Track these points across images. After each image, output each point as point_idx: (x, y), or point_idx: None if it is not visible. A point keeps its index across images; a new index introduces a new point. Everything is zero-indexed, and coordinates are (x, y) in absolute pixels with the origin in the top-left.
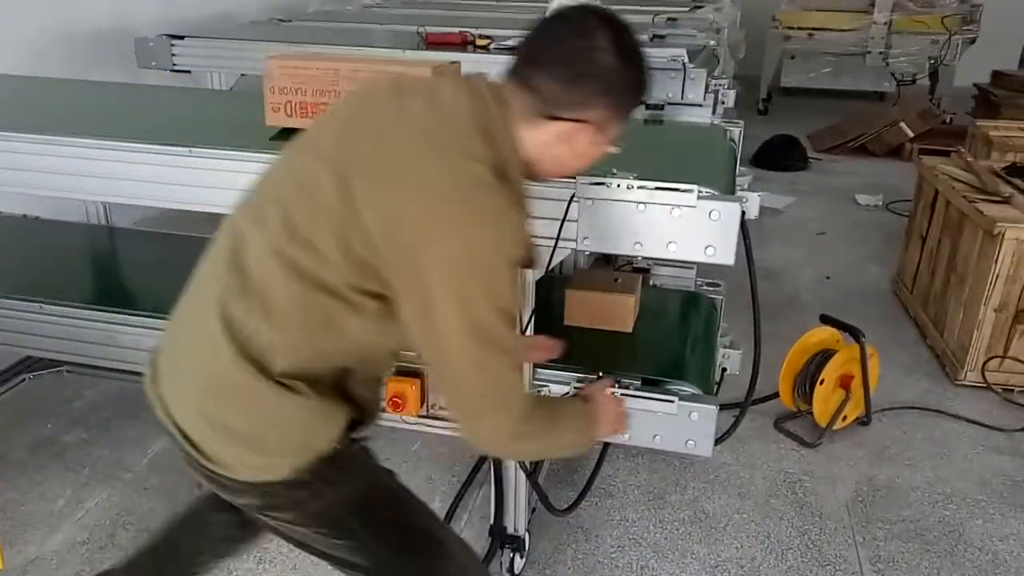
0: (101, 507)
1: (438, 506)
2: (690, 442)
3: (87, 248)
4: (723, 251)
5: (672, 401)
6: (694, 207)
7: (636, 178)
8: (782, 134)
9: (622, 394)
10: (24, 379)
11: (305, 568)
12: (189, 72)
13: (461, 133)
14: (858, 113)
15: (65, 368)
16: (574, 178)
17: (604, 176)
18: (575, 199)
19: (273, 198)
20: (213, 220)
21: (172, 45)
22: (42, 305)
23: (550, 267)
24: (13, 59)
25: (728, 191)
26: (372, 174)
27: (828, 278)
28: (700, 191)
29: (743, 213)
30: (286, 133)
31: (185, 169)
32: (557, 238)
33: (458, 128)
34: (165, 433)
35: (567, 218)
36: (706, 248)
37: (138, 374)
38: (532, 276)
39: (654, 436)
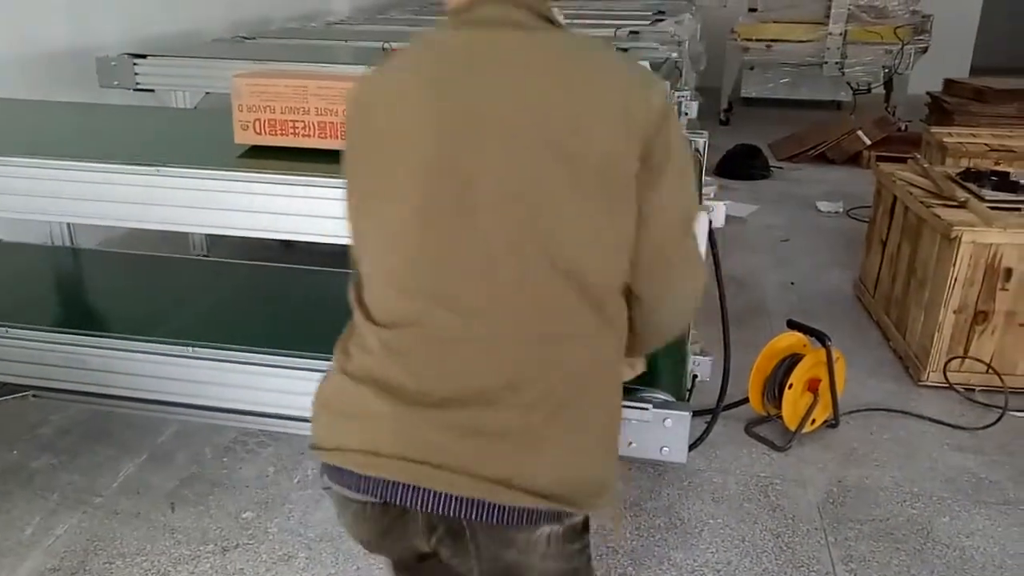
0: (71, 533)
1: None
2: (665, 449)
3: (51, 270)
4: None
5: (646, 408)
6: None
7: None
8: (744, 143)
9: None
10: None
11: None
12: (153, 91)
13: (578, 35)
14: (817, 122)
15: (31, 392)
16: None
17: None
18: None
19: (490, 244)
20: (179, 239)
21: (135, 64)
22: (8, 329)
23: None
24: None
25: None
26: (577, 117)
27: (792, 284)
28: None
29: (710, 222)
30: (255, 151)
31: (155, 188)
32: None
33: (569, 32)
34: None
35: None
36: None
37: (107, 396)
38: None
39: (629, 443)
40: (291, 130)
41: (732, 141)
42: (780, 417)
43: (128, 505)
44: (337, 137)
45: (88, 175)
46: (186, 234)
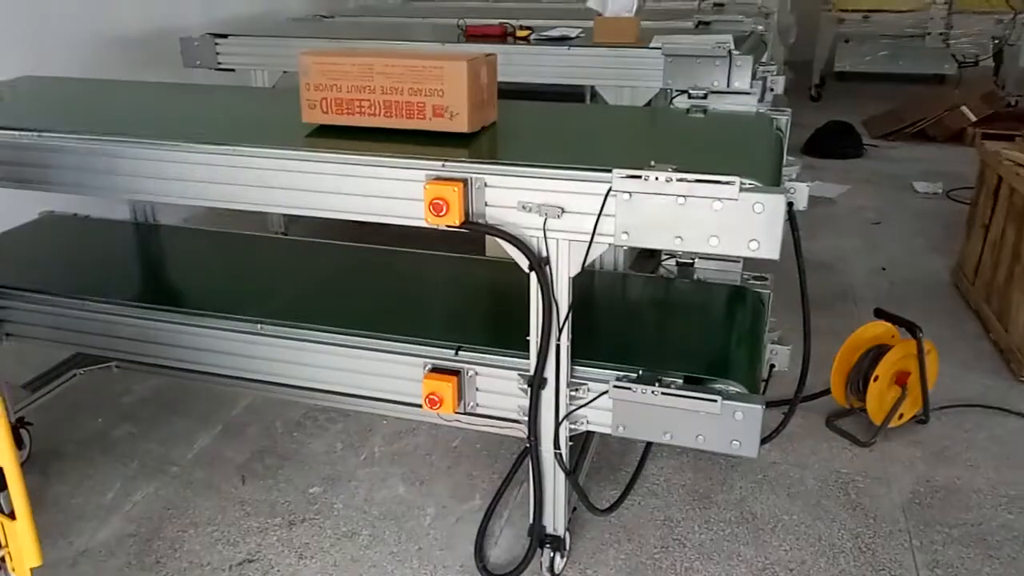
0: (148, 500)
1: (478, 503)
2: (735, 442)
3: (133, 246)
4: (768, 245)
5: (715, 400)
6: (736, 200)
7: (675, 170)
8: (836, 120)
9: (663, 393)
10: (75, 374)
11: (345, 565)
12: (233, 71)
13: None
14: (917, 97)
15: (114, 364)
16: (610, 170)
17: (642, 169)
18: (612, 193)
19: None
20: (258, 217)
21: (216, 44)
22: (87, 302)
23: (587, 263)
24: (64, 63)
25: (774, 182)
26: None
27: (884, 269)
28: (743, 183)
29: (790, 205)
30: (324, 131)
31: (226, 168)
32: (593, 233)
33: None
34: None
35: (604, 213)
36: (750, 242)
37: (182, 369)
38: (569, 274)
39: (697, 436)
40: (357, 109)
41: (823, 118)
42: (864, 411)
43: (202, 475)
44: (402, 116)
45: (164, 154)
46: (264, 213)
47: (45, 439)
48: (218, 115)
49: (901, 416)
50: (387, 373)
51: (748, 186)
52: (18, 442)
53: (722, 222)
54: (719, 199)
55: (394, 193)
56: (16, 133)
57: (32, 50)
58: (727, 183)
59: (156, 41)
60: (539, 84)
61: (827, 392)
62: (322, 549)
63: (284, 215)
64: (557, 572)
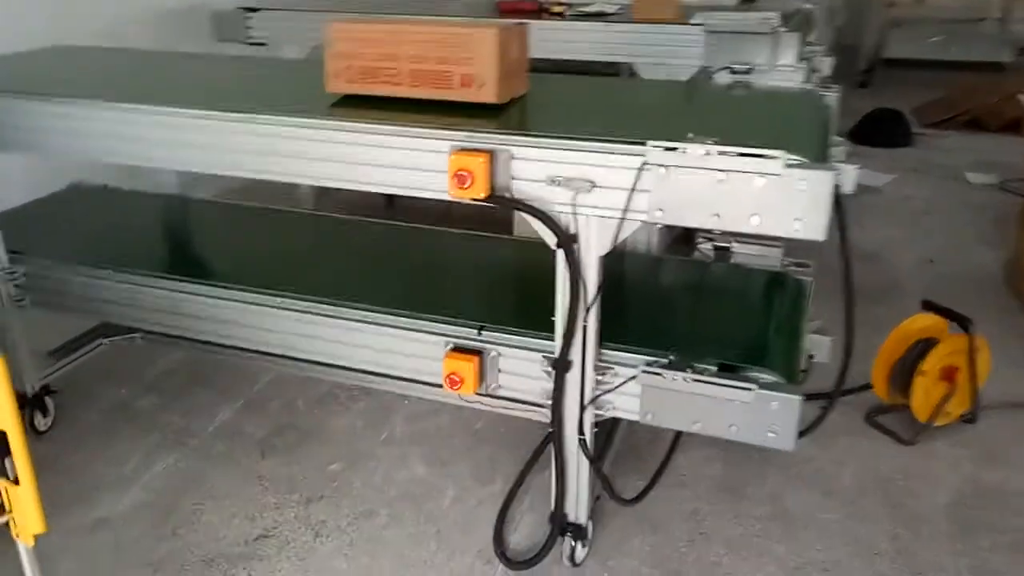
0: (168, 472)
1: (499, 487)
2: (770, 434)
3: (162, 218)
4: (812, 225)
5: (750, 389)
6: (780, 176)
7: (715, 143)
8: (884, 107)
9: (695, 380)
10: (100, 344)
11: (361, 544)
12: (264, 44)
13: None
14: (970, 85)
15: (139, 335)
16: (645, 143)
17: (680, 141)
18: (646, 167)
19: None
20: (288, 191)
21: (247, 18)
22: (112, 272)
23: (617, 241)
24: (93, 36)
25: (820, 160)
26: None
27: (931, 261)
28: (788, 159)
29: (837, 186)
30: (347, 100)
31: (243, 136)
32: (625, 209)
33: None
34: None
35: (637, 188)
36: (793, 222)
37: (207, 343)
38: (598, 252)
39: (730, 426)
40: (383, 78)
41: (871, 105)
42: (908, 407)
43: (222, 449)
44: (429, 86)
45: (185, 121)
46: (295, 187)
47: (70, 407)
48: (240, 85)
49: (947, 414)
50: (408, 351)
51: (793, 162)
52: (43, 409)
53: (764, 200)
54: (762, 175)
55: (418, 164)
56: (44, 99)
57: (59, 25)
58: (771, 158)
59: (187, 15)
60: (574, 61)
61: (868, 386)
62: (339, 528)
63: (314, 191)
64: (578, 562)
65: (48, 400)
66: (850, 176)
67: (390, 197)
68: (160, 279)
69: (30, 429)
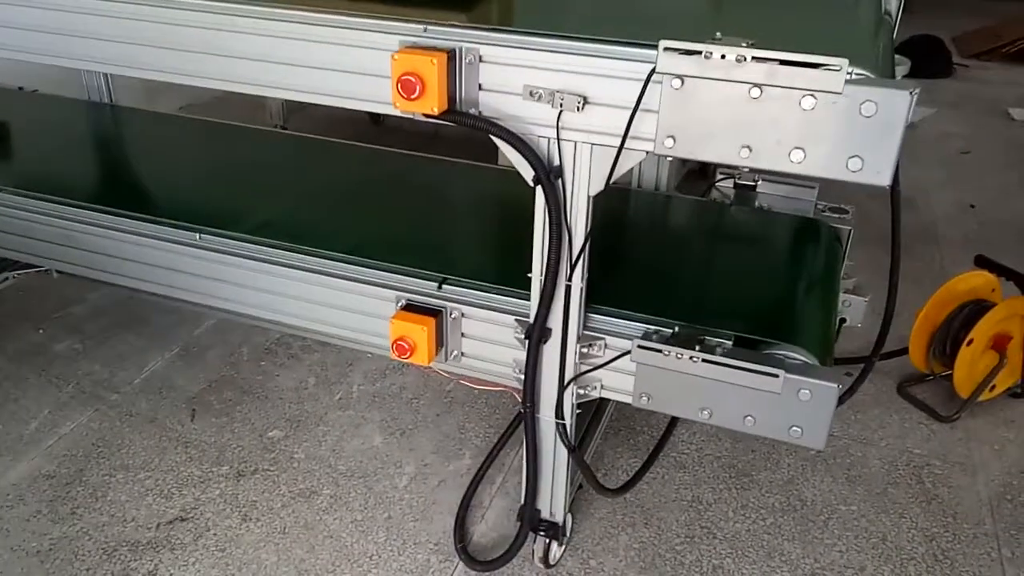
0: (77, 434)
1: (467, 463)
2: (795, 429)
3: (87, 131)
4: (876, 164)
5: (776, 376)
6: (839, 95)
7: (750, 45)
8: (923, 35)
9: (704, 360)
10: (7, 277)
11: (296, 532)
12: None
13: None
14: (1017, 13)
15: (51, 270)
16: (655, 45)
17: (702, 42)
18: (655, 77)
19: None
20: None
21: None
22: (7, 195)
23: (614, 177)
24: None
25: (887, 75)
26: None
27: (973, 207)
28: (850, 72)
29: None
30: None
31: (145, 24)
32: (625, 135)
33: None
34: None
35: (642, 106)
36: (850, 159)
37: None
38: (589, 191)
39: (745, 417)
40: None
41: (908, 32)
42: (948, 377)
43: (145, 407)
44: None
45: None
46: (263, 100)
47: None
48: None
49: (993, 388)
50: (352, 307)
51: (857, 77)
52: None
53: (812, 128)
54: (812, 92)
55: (353, 66)
56: None
57: None
58: (829, 68)
59: None
60: None
61: (903, 351)
62: (271, 510)
63: (284, 104)
64: (552, 562)
65: None
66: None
67: (375, 114)
68: (62, 205)
69: None
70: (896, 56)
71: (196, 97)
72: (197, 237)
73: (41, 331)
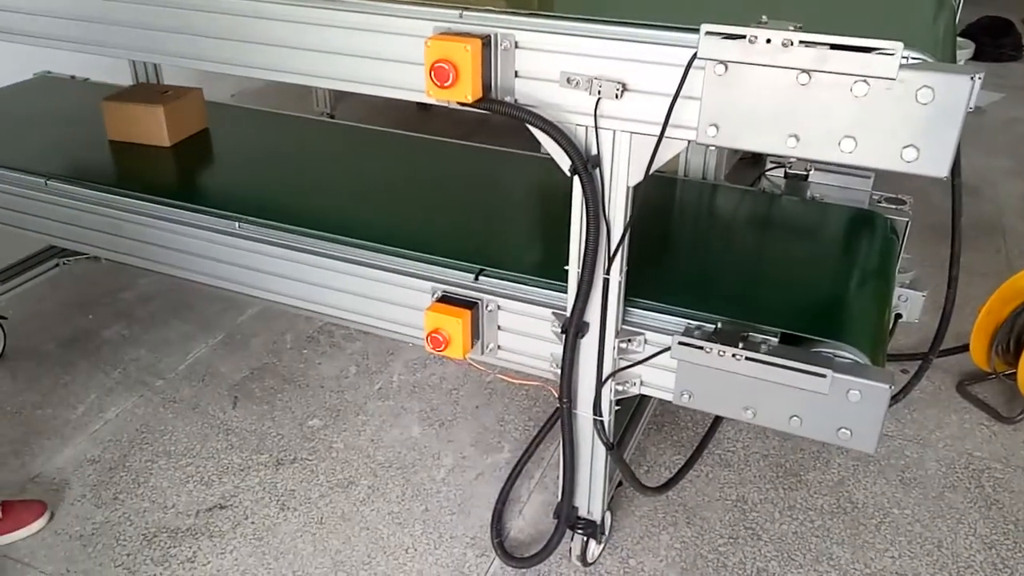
0: (122, 419)
1: (506, 456)
2: (844, 431)
3: None
4: (933, 154)
5: (823, 376)
6: (893, 80)
7: (797, 28)
8: (991, 16)
9: (748, 358)
10: (57, 264)
11: (333, 523)
12: None
13: None
14: None
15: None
16: (697, 29)
17: (746, 26)
18: (697, 63)
19: None
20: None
21: None
22: (55, 184)
23: (654, 167)
24: None
25: (948, 59)
26: None
27: None
28: (906, 56)
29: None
30: None
31: (163, 9)
32: (665, 123)
33: None
34: None
35: (683, 93)
36: (904, 149)
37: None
38: (628, 181)
39: (791, 418)
40: None
41: (975, 13)
42: (1012, 376)
43: (189, 394)
44: None
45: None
46: (310, 88)
47: (25, 336)
48: None
49: None
50: (388, 298)
51: (913, 61)
52: None
53: (864, 116)
54: (865, 78)
55: (392, 54)
56: None
57: None
58: (883, 52)
59: None
60: None
61: (964, 348)
62: (309, 499)
63: (330, 93)
64: (591, 561)
65: None
66: (976, 85)
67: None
68: (106, 193)
69: None
70: (959, 39)
71: (248, 84)
72: (236, 226)
73: (91, 317)
